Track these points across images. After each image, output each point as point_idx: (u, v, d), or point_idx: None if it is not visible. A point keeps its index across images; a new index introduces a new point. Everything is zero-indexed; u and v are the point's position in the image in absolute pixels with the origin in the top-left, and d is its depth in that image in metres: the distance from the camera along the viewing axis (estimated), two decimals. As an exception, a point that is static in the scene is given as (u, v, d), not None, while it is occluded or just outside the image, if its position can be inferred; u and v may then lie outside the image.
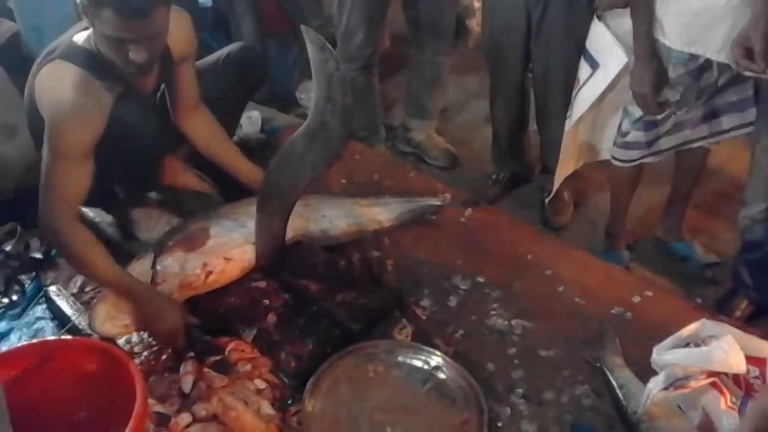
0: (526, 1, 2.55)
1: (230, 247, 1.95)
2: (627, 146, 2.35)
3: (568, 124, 2.52)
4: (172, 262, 1.88)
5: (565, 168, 2.67)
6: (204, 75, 2.27)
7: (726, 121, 2.31)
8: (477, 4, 3.01)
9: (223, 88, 2.33)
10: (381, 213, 2.24)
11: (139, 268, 1.85)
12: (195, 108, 2.22)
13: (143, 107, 2.01)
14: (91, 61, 1.86)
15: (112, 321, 1.77)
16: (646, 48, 2.15)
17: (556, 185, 2.72)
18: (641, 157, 2.35)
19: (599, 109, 2.51)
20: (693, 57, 2.10)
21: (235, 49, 2.40)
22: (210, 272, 1.88)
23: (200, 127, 2.24)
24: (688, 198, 2.60)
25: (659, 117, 2.24)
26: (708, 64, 2.10)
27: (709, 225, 2.82)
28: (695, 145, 2.35)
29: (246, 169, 2.25)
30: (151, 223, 2.16)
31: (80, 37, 1.91)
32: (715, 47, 2.04)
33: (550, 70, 2.64)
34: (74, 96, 1.81)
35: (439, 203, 2.29)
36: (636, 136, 2.31)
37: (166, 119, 2.14)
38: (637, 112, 2.26)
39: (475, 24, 3.08)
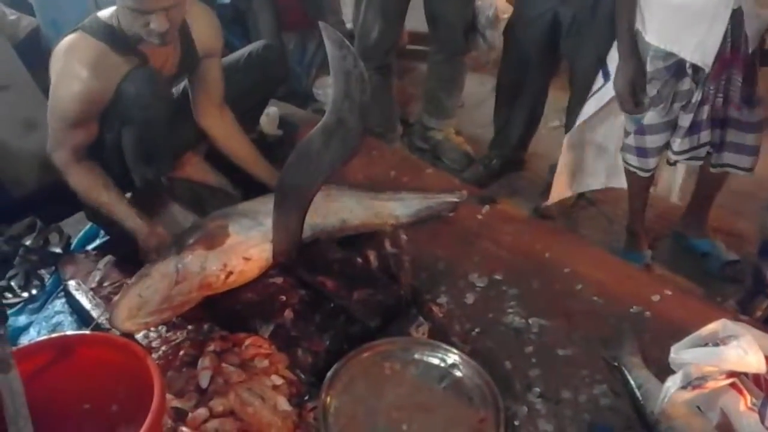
0: (555, 5, 2.56)
1: (249, 245, 1.95)
2: (644, 153, 2.34)
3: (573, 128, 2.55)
4: (192, 261, 1.88)
5: (561, 185, 2.70)
6: (226, 73, 2.28)
7: (727, 157, 2.32)
8: (504, 15, 2.98)
9: (245, 86, 2.35)
10: (399, 208, 2.25)
11: (164, 269, 1.84)
12: (219, 106, 2.26)
13: (156, 79, 2.04)
14: (110, 34, 1.94)
15: (133, 319, 1.77)
16: (627, 47, 2.18)
17: (552, 201, 2.74)
18: (656, 165, 2.36)
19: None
20: (671, 53, 2.09)
21: (258, 48, 2.42)
22: (230, 273, 1.88)
23: (222, 125, 2.27)
24: (712, 198, 2.58)
25: (662, 120, 2.23)
26: (685, 66, 2.10)
27: (732, 224, 2.79)
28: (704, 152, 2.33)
29: (263, 169, 2.29)
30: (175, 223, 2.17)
31: (105, 13, 1.98)
32: (690, 48, 2.04)
33: (578, 70, 2.64)
34: (86, 68, 1.90)
35: (456, 200, 2.29)
36: (653, 141, 2.30)
37: (185, 110, 2.16)
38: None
39: (497, 37, 3.04)
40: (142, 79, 1.98)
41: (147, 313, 1.79)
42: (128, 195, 2.22)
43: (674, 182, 2.54)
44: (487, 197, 2.38)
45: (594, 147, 2.62)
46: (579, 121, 2.52)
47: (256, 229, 1.99)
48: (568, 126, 2.85)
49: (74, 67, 1.91)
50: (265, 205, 2.05)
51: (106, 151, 2.09)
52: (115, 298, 1.85)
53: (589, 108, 2.47)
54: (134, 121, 2.02)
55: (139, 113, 1.99)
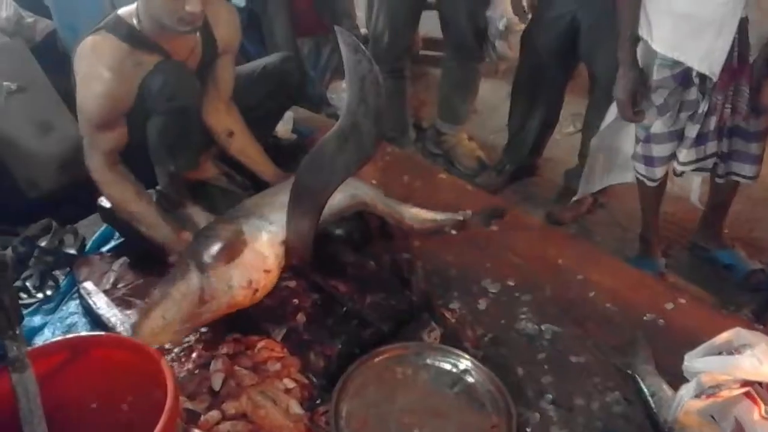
0: (573, 9, 2.56)
1: (266, 256, 1.90)
2: (651, 162, 2.33)
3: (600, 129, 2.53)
4: (218, 280, 1.80)
5: (589, 181, 2.69)
6: (244, 81, 2.30)
7: (733, 165, 2.33)
8: (517, 28, 2.98)
9: (261, 95, 2.37)
10: (405, 211, 2.24)
11: (185, 288, 1.77)
12: (227, 104, 2.27)
13: (183, 69, 2.05)
14: (131, 34, 1.95)
15: (156, 337, 1.73)
16: (628, 55, 2.18)
17: (581, 195, 2.73)
18: (665, 174, 2.35)
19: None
20: (679, 62, 2.09)
21: (277, 60, 2.43)
22: (256, 290, 1.84)
23: (228, 122, 2.27)
24: (727, 207, 2.56)
25: (669, 129, 2.22)
26: (692, 75, 2.09)
27: (747, 232, 2.78)
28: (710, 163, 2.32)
29: (268, 169, 2.31)
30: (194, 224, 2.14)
31: (125, 11, 1.99)
32: (698, 56, 2.03)
33: (599, 74, 2.64)
34: (108, 69, 1.91)
35: (460, 219, 2.27)
36: (659, 150, 2.30)
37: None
38: (646, 120, 2.27)
39: (508, 48, 3.04)
40: (168, 70, 1.98)
41: (171, 332, 1.75)
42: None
43: (693, 182, 2.53)
44: (493, 212, 2.34)
45: (617, 146, 2.60)
46: (604, 123, 2.51)
47: (266, 229, 1.95)
48: (586, 128, 2.85)
49: (96, 68, 1.92)
50: (271, 198, 2.05)
51: (129, 149, 2.09)
52: (136, 317, 1.81)
53: (614, 111, 2.45)
54: (161, 112, 2.02)
55: (165, 104, 1.99)
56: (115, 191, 2.07)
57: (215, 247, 1.84)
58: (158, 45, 1.99)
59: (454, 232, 2.26)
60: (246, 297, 1.82)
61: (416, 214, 2.25)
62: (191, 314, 1.76)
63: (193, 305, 1.75)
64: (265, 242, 1.91)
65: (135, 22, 1.97)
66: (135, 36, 1.96)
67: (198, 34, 2.05)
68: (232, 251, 1.83)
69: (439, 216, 2.28)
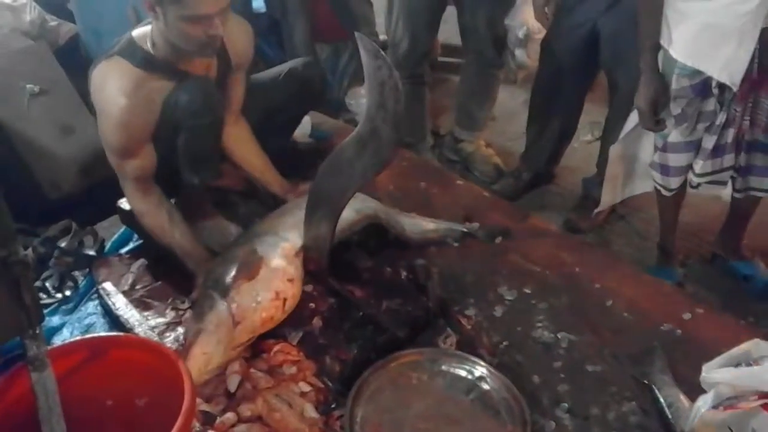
0: (595, 17, 2.56)
1: (285, 266, 1.90)
2: (666, 171, 2.32)
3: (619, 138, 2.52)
4: (243, 297, 1.80)
5: (611, 191, 2.68)
6: (267, 85, 2.30)
7: (753, 180, 2.32)
8: (537, 36, 2.97)
9: (282, 100, 2.37)
10: (405, 222, 2.22)
11: (217, 318, 1.76)
12: (236, 116, 2.27)
13: (208, 86, 2.04)
14: (147, 60, 1.93)
15: (203, 375, 1.71)
16: (650, 64, 2.17)
17: (603, 206, 2.73)
18: (682, 184, 2.33)
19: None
20: (698, 71, 2.07)
21: (299, 65, 2.42)
22: (285, 300, 1.84)
23: (236, 134, 2.27)
24: (748, 219, 2.54)
25: (686, 139, 2.21)
26: (711, 86, 2.08)
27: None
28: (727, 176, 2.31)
29: (275, 181, 2.30)
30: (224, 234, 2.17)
31: (139, 33, 1.97)
32: (718, 66, 2.02)
33: (620, 82, 2.64)
34: (124, 97, 1.89)
35: (463, 230, 2.25)
36: (675, 159, 2.29)
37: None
38: (666, 129, 2.26)
39: (527, 56, 3.04)
40: (194, 87, 1.97)
41: (216, 364, 1.73)
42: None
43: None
44: (499, 231, 2.28)
45: (638, 155, 2.59)
46: (624, 131, 2.50)
47: (280, 245, 1.95)
48: (605, 136, 2.84)
49: (112, 96, 1.90)
50: (281, 219, 2.06)
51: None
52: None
53: (634, 119, 2.45)
54: (186, 127, 2.00)
55: (191, 120, 1.98)
56: (148, 221, 2.08)
57: (233, 269, 1.86)
58: (175, 68, 1.97)
59: (456, 244, 2.23)
60: (277, 308, 1.82)
61: (417, 225, 2.23)
62: (230, 341, 1.75)
63: (229, 331, 1.74)
64: (282, 256, 1.92)
65: (149, 45, 1.95)
66: (150, 61, 1.94)
67: None
68: (250, 269, 1.84)
69: (442, 226, 2.26)
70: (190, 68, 2.01)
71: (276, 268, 1.87)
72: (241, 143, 2.28)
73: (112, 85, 1.90)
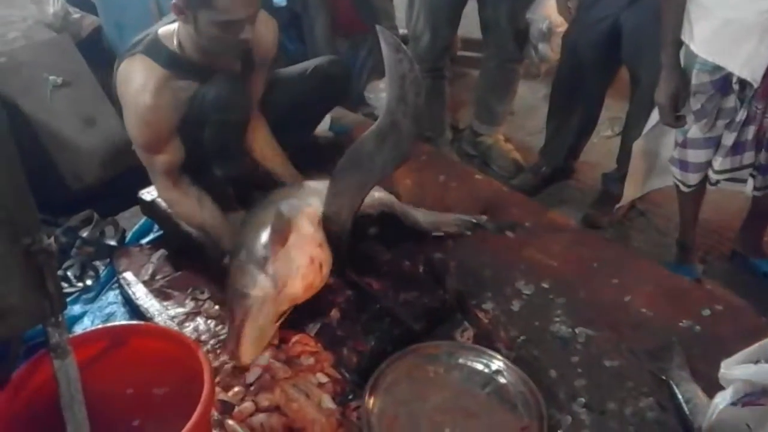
0: (617, 11, 2.54)
1: (313, 231, 1.89)
2: (686, 167, 2.31)
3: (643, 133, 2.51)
4: (282, 264, 1.78)
5: (633, 185, 2.67)
6: (291, 81, 2.30)
7: None
8: (559, 29, 2.96)
9: (307, 97, 2.35)
10: (419, 214, 2.24)
11: (260, 291, 1.75)
12: (256, 112, 2.26)
13: (236, 81, 2.05)
14: (172, 60, 1.93)
15: (259, 349, 1.75)
16: (671, 59, 2.16)
17: (626, 200, 2.71)
18: (700, 181, 2.32)
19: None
20: (719, 67, 2.05)
21: (324, 63, 2.42)
22: (320, 264, 1.83)
23: (257, 130, 2.27)
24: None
25: (705, 135, 2.19)
26: (731, 82, 2.06)
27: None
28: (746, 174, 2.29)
29: (291, 175, 2.30)
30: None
31: (165, 32, 1.97)
32: (739, 62, 2.01)
33: (642, 78, 2.62)
34: (148, 96, 1.90)
35: (473, 220, 2.26)
36: (694, 156, 2.27)
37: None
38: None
39: (550, 50, 3.02)
40: (222, 83, 1.98)
41: (269, 335, 1.76)
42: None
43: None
44: (508, 224, 2.28)
45: (659, 151, 2.58)
46: (647, 127, 2.49)
47: (304, 209, 1.94)
48: (626, 132, 2.82)
49: (136, 94, 1.91)
50: (298, 189, 2.09)
51: None
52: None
53: (657, 115, 2.43)
54: (212, 122, 2.01)
55: (217, 115, 1.99)
56: (179, 209, 2.12)
57: (264, 236, 1.82)
58: (199, 67, 1.97)
59: (468, 233, 2.24)
60: (315, 274, 1.82)
61: (430, 215, 2.25)
62: (276, 311, 1.76)
63: (274, 302, 1.75)
64: (307, 220, 1.91)
65: (175, 45, 1.95)
66: (175, 61, 1.94)
67: None
68: (282, 234, 1.81)
69: (451, 217, 2.27)
70: (215, 66, 2.01)
71: (305, 231, 1.87)
72: (259, 137, 2.29)
73: (137, 82, 1.91)
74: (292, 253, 1.80)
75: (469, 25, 3.35)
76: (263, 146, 2.30)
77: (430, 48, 3.12)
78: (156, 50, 1.94)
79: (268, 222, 1.83)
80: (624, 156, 2.76)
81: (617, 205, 2.80)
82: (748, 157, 2.21)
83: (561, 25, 2.98)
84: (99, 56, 3.18)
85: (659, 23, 2.21)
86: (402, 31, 3.51)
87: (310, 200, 2.00)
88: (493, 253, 2.17)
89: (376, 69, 3.64)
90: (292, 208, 1.92)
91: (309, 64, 2.42)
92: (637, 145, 2.59)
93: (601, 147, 3.36)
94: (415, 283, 1.98)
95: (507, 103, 3.36)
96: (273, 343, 1.81)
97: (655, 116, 2.43)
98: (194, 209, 2.08)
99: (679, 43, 2.16)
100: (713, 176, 2.28)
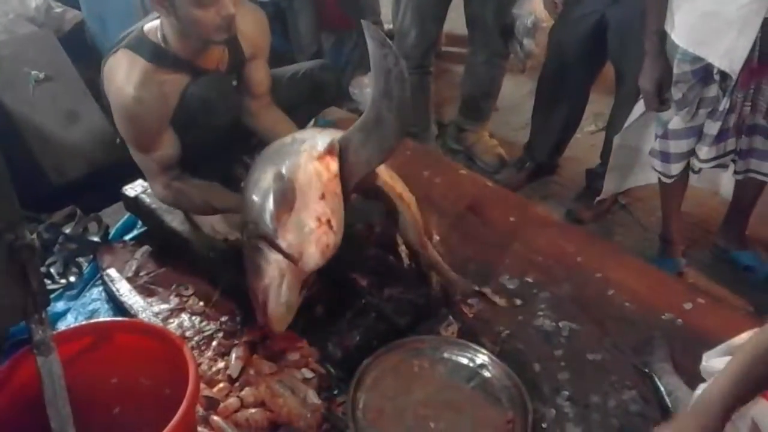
0: (602, 7, 2.56)
1: (311, 181, 1.75)
2: (667, 158, 2.33)
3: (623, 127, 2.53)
4: (292, 232, 1.70)
5: (613, 180, 2.70)
6: (277, 85, 2.28)
7: (752, 163, 2.31)
8: (544, 25, 2.96)
9: (295, 101, 2.32)
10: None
11: (275, 268, 1.70)
12: (267, 105, 2.23)
13: (224, 85, 2.04)
14: (157, 53, 1.91)
15: (288, 317, 1.72)
16: (655, 47, 2.18)
17: (605, 194, 2.74)
18: (682, 171, 2.34)
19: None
20: (699, 57, 2.08)
21: (315, 68, 2.39)
22: (329, 220, 1.72)
23: (271, 122, 2.22)
24: (750, 208, 2.54)
25: (687, 125, 2.22)
26: (712, 72, 2.08)
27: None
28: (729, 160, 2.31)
29: None
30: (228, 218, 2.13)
31: (150, 27, 1.96)
32: (719, 53, 2.03)
33: (626, 73, 2.63)
34: (132, 89, 1.87)
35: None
36: (676, 146, 2.29)
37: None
38: (664, 116, 2.26)
39: (535, 45, 3.02)
40: (209, 86, 1.96)
41: (295, 308, 1.74)
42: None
43: (722, 176, 2.50)
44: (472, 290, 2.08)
45: (641, 146, 2.60)
46: (629, 121, 2.51)
47: (300, 154, 1.80)
48: (610, 127, 2.84)
49: (120, 88, 1.89)
50: (290, 140, 1.92)
51: None
52: (259, 317, 1.75)
53: (639, 109, 2.45)
54: (199, 125, 1.98)
55: (203, 118, 1.96)
56: (186, 206, 2.11)
57: (269, 204, 1.74)
58: (186, 61, 1.95)
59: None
60: (327, 234, 1.72)
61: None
62: (298, 280, 1.72)
63: (294, 272, 1.71)
64: (304, 166, 1.78)
65: (159, 39, 1.93)
66: (160, 55, 1.92)
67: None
68: (286, 200, 1.72)
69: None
70: (203, 60, 1.99)
71: (305, 185, 1.75)
72: (275, 129, 2.20)
73: (120, 76, 1.89)
74: (300, 216, 1.72)
75: (454, 20, 3.35)
76: (276, 132, 2.19)
77: (417, 45, 3.11)
78: (140, 44, 1.92)
79: (270, 187, 1.75)
80: (607, 151, 2.78)
81: (597, 199, 2.82)
82: (731, 143, 2.24)
83: (546, 20, 2.98)
84: (81, 51, 3.15)
85: (644, 19, 2.23)
86: (387, 26, 3.51)
87: (304, 136, 1.88)
88: (478, 248, 2.18)
89: (361, 64, 3.64)
90: (289, 160, 1.80)
91: (299, 68, 2.39)
92: (617, 140, 2.61)
93: (585, 142, 3.37)
94: (400, 278, 1.98)
95: (492, 99, 3.37)
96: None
97: (636, 111, 2.45)
98: (198, 201, 2.03)
99: (663, 33, 2.17)
100: (698, 164, 2.30)
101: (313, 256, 1.71)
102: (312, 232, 1.70)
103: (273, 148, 1.93)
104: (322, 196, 1.74)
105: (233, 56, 2.08)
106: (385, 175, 1.92)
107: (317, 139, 1.82)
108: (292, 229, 1.71)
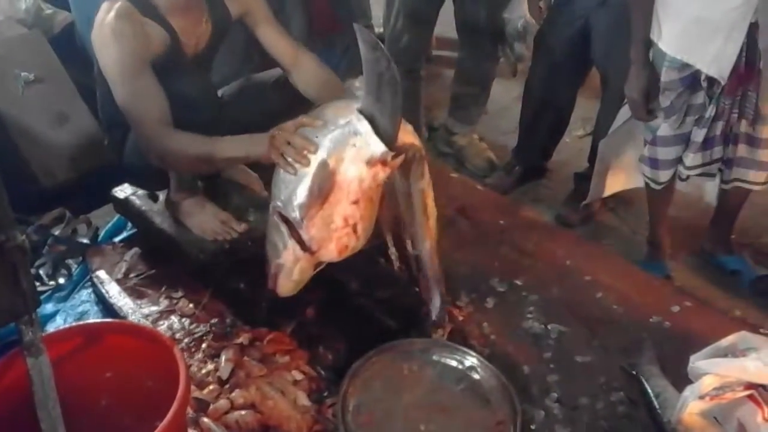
0: (587, 12, 2.57)
1: (349, 180, 1.65)
2: (656, 165, 2.35)
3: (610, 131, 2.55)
4: (317, 229, 1.67)
5: (599, 184, 2.71)
6: (261, 88, 2.24)
7: (738, 172, 2.33)
8: (536, 29, 2.98)
9: (279, 107, 2.21)
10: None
11: (292, 256, 1.71)
12: (295, 62, 2.17)
13: (207, 85, 2.04)
14: (144, 3, 1.88)
15: (294, 290, 1.78)
16: (641, 55, 2.19)
17: (591, 198, 2.75)
18: (671, 177, 2.36)
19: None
20: (687, 64, 2.09)
21: None
22: (355, 224, 1.70)
23: (307, 78, 2.18)
24: (736, 213, 2.56)
25: (675, 132, 2.23)
26: (700, 79, 2.10)
27: (756, 237, 2.78)
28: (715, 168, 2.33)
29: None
30: (202, 216, 2.12)
31: None
32: (707, 59, 2.04)
33: (611, 77, 2.65)
34: (112, 18, 1.82)
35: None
36: (664, 153, 2.31)
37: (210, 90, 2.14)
38: (653, 123, 2.28)
39: (525, 49, 3.04)
40: (191, 85, 1.96)
41: (305, 282, 1.77)
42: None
43: (707, 183, 2.53)
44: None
45: (626, 151, 2.62)
46: (614, 126, 2.52)
47: (350, 143, 1.66)
48: (597, 131, 2.86)
49: (101, 22, 1.83)
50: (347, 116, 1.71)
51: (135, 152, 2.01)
52: (269, 281, 1.78)
53: (624, 114, 2.47)
54: (182, 125, 1.90)
55: (186, 115, 1.90)
56: (180, 161, 1.91)
57: (301, 194, 1.65)
58: (168, 22, 1.91)
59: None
60: (350, 236, 1.71)
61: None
62: (311, 265, 1.75)
63: (308, 260, 1.73)
64: (350, 164, 1.65)
65: None
66: (147, 6, 1.88)
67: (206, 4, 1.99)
68: (322, 191, 1.64)
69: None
70: (183, 24, 1.94)
71: (342, 182, 1.66)
72: (312, 83, 2.17)
73: (101, 14, 1.84)
74: (328, 212, 1.67)
75: (444, 24, 3.36)
76: (318, 90, 2.17)
77: (409, 48, 3.12)
78: None
79: (308, 173, 1.65)
80: (595, 155, 2.80)
81: (583, 203, 2.84)
82: (717, 151, 2.26)
83: (532, 25, 3.01)
84: (71, 52, 3.13)
85: (628, 24, 2.25)
86: (378, 30, 3.52)
87: (360, 137, 1.67)
88: (467, 251, 2.19)
89: (352, 68, 3.64)
90: (337, 144, 1.66)
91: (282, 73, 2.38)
92: (603, 145, 2.63)
93: (573, 146, 3.39)
94: (390, 281, 1.99)
95: (482, 103, 3.38)
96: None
97: (621, 116, 2.47)
98: (201, 145, 1.85)
99: (649, 41, 2.19)
100: (684, 171, 2.32)
101: (331, 253, 1.72)
102: (336, 229, 1.69)
103: (326, 114, 1.74)
104: (356, 201, 1.68)
105: (216, 24, 2.04)
106: (425, 181, 1.89)
107: (371, 140, 1.64)
108: (318, 224, 1.67)
